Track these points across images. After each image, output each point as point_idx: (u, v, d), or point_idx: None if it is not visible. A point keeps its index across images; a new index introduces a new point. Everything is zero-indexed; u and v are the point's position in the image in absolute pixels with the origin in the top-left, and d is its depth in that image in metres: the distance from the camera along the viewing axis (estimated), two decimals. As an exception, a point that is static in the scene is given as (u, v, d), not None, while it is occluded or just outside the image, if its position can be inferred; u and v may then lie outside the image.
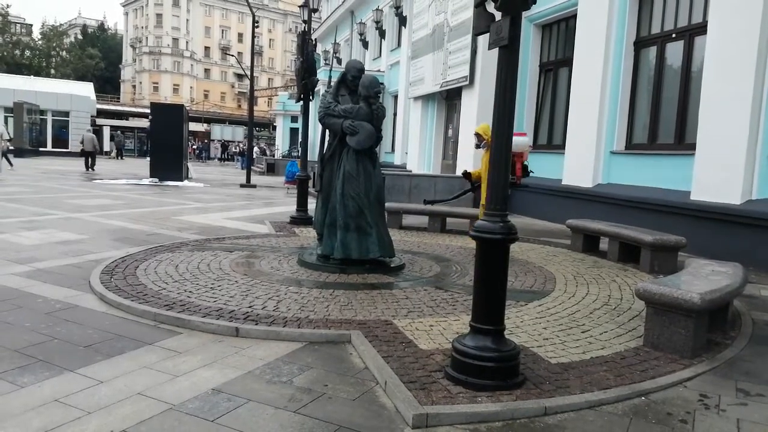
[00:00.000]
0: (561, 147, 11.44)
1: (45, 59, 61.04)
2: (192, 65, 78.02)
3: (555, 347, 3.82)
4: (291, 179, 15.74)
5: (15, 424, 2.63)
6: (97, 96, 44.14)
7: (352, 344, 3.80)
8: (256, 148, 38.11)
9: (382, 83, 20.67)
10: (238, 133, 47.88)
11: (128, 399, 2.92)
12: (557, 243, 8.51)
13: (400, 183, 12.97)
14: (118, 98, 69.17)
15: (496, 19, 3.11)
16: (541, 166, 10.22)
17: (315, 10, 13.11)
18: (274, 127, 43.62)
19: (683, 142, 8.75)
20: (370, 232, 5.81)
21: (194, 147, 45.14)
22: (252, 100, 22.01)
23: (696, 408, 3.06)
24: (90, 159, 23.08)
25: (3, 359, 3.37)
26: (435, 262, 6.66)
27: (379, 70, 23.24)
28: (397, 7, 20.08)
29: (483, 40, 11.33)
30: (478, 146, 7.31)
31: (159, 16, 75.53)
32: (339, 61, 27.73)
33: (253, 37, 21.56)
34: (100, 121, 44.24)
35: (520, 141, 6.90)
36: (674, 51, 9.15)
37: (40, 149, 34.59)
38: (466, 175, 7.69)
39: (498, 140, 3.14)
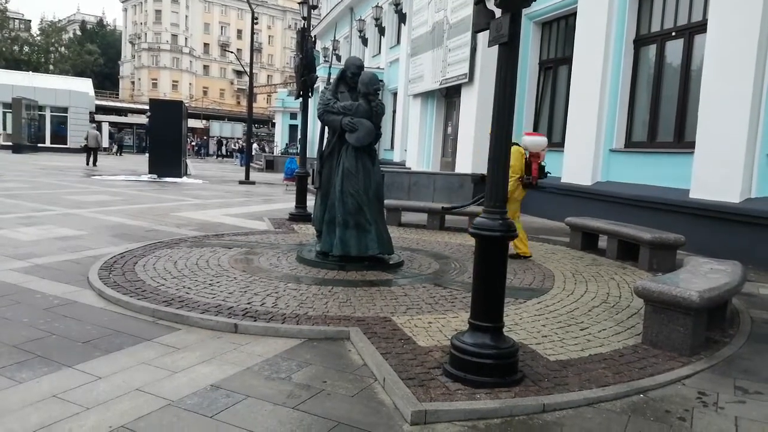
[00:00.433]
0: (560, 145, 11.43)
1: (44, 55, 60.87)
2: (191, 62, 77.81)
3: (554, 344, 3.83)
4: (290, 176, 15.73)
5: (13, 419, 2.63)
6: (95, 92, 44.09)
7: (350, 341, 3.80)
8: (255, 145, 38.08)
9: (381, 80, 20.70)
10: (237, 130, 47.86)
11: (126, 395, 2.91)
12: (556, 241, 8.52)
13: (399, 180, 12.95)
14: (117, 94, 69.01)
15: (496, 16, 3.11)
16: (540, 164, 10.20)
17: (314, 7, 13.10)
18: (273, 124, 43.56)
19: (682, 141, 8.75)
20: (369, 229, 5.81)
21: (193, 144, 45.12)
22: (251, 97, 21.97)
23: (694, 406, 3.06)
24: (93, 155, 23.81)
25: (1, 355, 3.37)
26: (434, 259, 6.66)
27: (378, 67, 23.19)
28: (397, 4, 20.05)
29: (483, 37, 11.31)
30: None
31: (158, 12, 75.28)
32: (338, 58, 27.70)
33: (253, 33, 21.53)
34: (98, 117, 44.19)
35: (538, 141, 6.85)
36: (674, 49, 9.14)
37: (39, 145, 34.54)
38: (484, 178, 7.61)
39: (497, 138, 3.13)
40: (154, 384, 3.05)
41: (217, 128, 48.83)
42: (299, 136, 11.23)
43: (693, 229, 7.50)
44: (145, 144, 36.61)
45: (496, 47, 3.12)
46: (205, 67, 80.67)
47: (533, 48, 12.91)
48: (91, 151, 23.89)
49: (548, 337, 3.97)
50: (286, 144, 35.10)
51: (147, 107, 25.63)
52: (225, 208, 11.32)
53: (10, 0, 69.27)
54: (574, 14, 11.02)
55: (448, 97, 16.32)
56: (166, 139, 18.02)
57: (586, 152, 10.31)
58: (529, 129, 12.50)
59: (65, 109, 36.94)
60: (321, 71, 16.45)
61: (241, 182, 18.52)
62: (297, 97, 10.23)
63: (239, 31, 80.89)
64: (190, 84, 76.71)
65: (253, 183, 18.48)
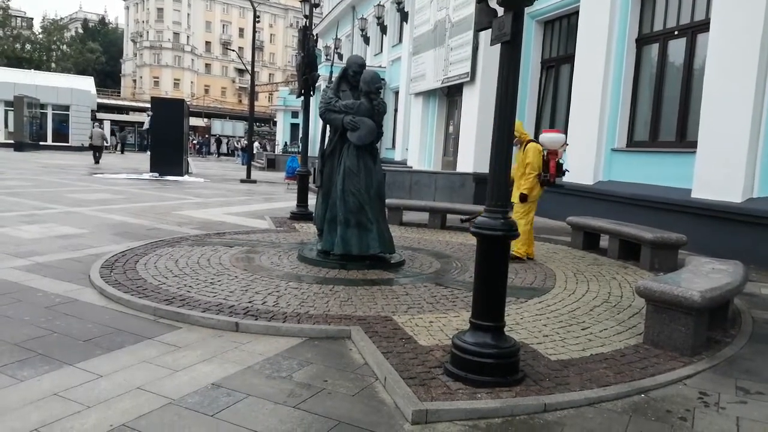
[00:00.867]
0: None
1: (45, 53, 60.86)
2: (193, 60, 77.85)
3: (555, 344, 3.82)
4: (291, 175, 15.73)
5: (14, 417, 2.63)
6: (97, 90, 44.11)
7: (351, 340, 3.80)
8: (256, 144, 38.09)
9: (383, 79, 20.65)
10: (239, 128, 47.88)
11: (128, 393, 2.92)
12: (557, 240, 8.51)
13: (400, 179, 12.93)
14: (119, 92, 69.01)
15: (498, 15, 3.10)
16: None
17: (316, 5, 13.04)
18: (275, 123, 43.57)
19: (684, 140, 8.73)
20: (370, 228, 5.81)
21: (194, 142, 45.12)
22: (253, 96, 21.98)
23: (696, 406, 3.06)
24: (97, 153, 24.36)
25: (2, 353, 3.37)
26: (435, 258, 6.66)
27: (380, 66, 23.16)
28: (399, 3, 20.02)
29: (485, 36, 11.31)
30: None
31: (160, 10, 75.33)
32: (340, 57, 27.66)
33: (254, 32, 21.50)
34: (100, 115, 44.26)
35: (556, 138, 6.73)
36: (676, 48, 9.12)
37: (41, 143, 34.59)
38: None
39: (499, 137, 3.13)
40: (155, 382, 3.05)
41: (219, 127, 48.86)
42: (301, 135, 11.23)
43: (695, 228, 7.48)
44: (146, 142, 36.67)
45: (498, 46, 3.11)
46: (207, 66, 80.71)
47: (535, 47, 12.89)
48: (96, 149, 24.41)
49: (549, 337, 3.97)
50: (286, 143, 35.10)
51: (149, 105, 25.67)
52: (226, 207, 11.32)
53: (12, -2, 69.28)
54: (577, 13, 10.99)
55: (450, 96, 16.30)
56: (167, 137, 18.02)
57: (587, 151, 10.29)
58: (530, 128, 12.49)
59: (67, 107, 37.01)
60: (323, 70, 16.42)
61: (242, 181, 18.52)
62: (298, 96, 10.23)
63: (241, 30, 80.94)
64: (191, 82, 76.77)
65: (255, 182, 18.48)
